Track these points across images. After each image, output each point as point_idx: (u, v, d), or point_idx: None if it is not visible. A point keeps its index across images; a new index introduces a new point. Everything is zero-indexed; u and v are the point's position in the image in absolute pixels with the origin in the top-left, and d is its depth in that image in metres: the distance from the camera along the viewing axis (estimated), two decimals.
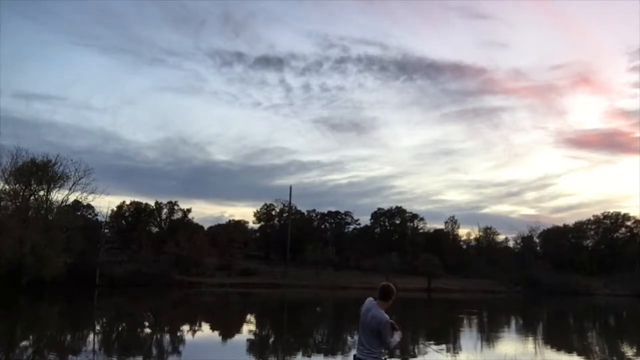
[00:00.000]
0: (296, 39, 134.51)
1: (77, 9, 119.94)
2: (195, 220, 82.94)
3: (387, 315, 6.05)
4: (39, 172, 50.93)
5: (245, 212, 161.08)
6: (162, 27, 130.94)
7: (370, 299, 6.32)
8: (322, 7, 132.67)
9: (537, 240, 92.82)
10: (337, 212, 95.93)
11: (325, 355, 17.87)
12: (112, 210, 68.13)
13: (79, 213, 59.94)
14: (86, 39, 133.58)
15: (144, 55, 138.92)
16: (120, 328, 25.73)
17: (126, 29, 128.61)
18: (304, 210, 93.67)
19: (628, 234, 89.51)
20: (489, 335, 25.94)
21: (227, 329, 25.21)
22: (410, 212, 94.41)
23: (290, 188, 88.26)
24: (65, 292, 43.18)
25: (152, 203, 79.64)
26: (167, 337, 22.34)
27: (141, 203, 78.66)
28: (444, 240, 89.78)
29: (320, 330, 26.74)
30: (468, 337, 24.16)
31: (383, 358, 6.16)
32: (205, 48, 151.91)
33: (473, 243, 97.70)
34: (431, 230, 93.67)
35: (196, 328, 25.68)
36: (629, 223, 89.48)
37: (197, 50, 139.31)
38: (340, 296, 52.08)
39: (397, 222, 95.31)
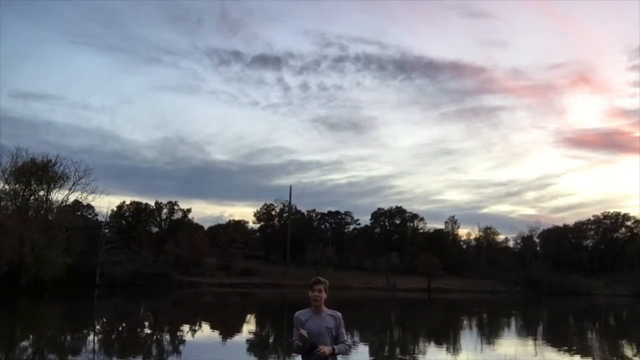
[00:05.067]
0: (294, 37, 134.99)
1: (74, 8, 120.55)
2: (195, 220, 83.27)
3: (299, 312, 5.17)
4: (39, 172, 50.91)
5: (245, 212, 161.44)
6: (159, 25, 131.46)
7: None
8: (320, 6, 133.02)
9: (537, 240, 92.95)
10: (337, 212, 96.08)
11: None
12: (112, 210, 68.32)
13: (79, 213, 59.92)
14: (83, 38, 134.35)
15: (141, 54, 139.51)
16: (120, 328, 25.72)
17: (123, 28, 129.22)
18: (303, 210, 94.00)
19: (628, 234, 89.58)
20: (489, 335, 25.93)
21: (227, 329, 25.20)
22: (410, 212, 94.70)
23: (290, 188, 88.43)
24: (65, 292, 43.17)
25: (152, 203, 79.93)
26: (167, 337, 22.34)
27: (141, 203, 78.84)
28: (444, 240, 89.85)
29: None
30: (468, 337, 24.15)
31: None
32: (203, 47, 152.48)
33: (473, 243, 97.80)
34: (431, 230, 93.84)
35: (196, 328, 25.66)
36: (629, 223, 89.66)
37: (194, 49, 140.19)
38: (340, 296, 52.01)
39: (397, 222, 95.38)
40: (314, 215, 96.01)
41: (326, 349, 4.83)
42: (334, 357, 4.96)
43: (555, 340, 23.43)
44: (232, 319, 31.35)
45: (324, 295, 5.09)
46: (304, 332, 4.82)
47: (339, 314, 5.15)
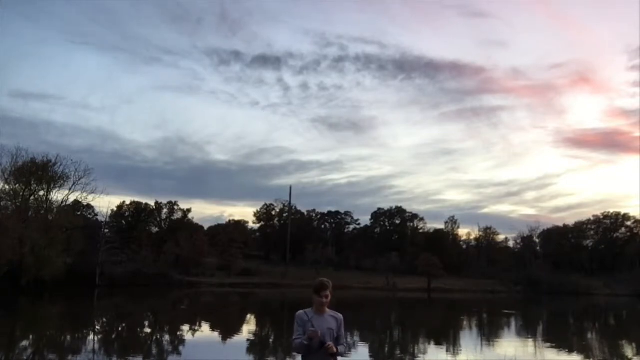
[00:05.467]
0: (293, 37, 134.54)
1: (74, 8, 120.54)
2: (195, 220, 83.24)
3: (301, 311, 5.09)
4: (39, 172, 50.89)
5: (245, 212, 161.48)
6: (159, 25, 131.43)
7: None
8: (320, 6, 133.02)
9: (537, 240, 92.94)
10: (337, 212, 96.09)
11: None
12: (112, 210, 68.32)
13: (79, 213, 59.91)
14: (83, 38, 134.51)
15: (141, 54, 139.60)
16: (120, 328, 25.72)
17: (123, 28, 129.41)
18: (303, 210, 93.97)
19: (628, 234, 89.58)
20: (489, 335, 25.93)
21: (227, 329, 25.20)
22: (410, 212, 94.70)
23: (290, 188, 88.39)
24: (65, 292, 43.17)
25: (151, 203, 79.91)
26: (167, 337, 22.34)
27: (141, 203, 78.84)
28: (444, 240, 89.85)
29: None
30: (468, 337, 24.15)
31: None
32: (202, 47, 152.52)
33: (473, 243, 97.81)
34: (431, 230, 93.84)
35: (196, 328, 25.67)
36: (629, 223, 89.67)
37: (194, 49, 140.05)
38: (340, 296, 52.12)
39: (397, 222, 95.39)
40: (314, 215, 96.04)
41: (334, 346, 4.85)
42: (335, 357, 4.95)
43: (555, 340, 23.43)
44: (232, 319, 31.35)
45: (329, 298, 5.07)
46: (317, 330, 4.79)
47: (341, 316, 5.13)
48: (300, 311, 5.07)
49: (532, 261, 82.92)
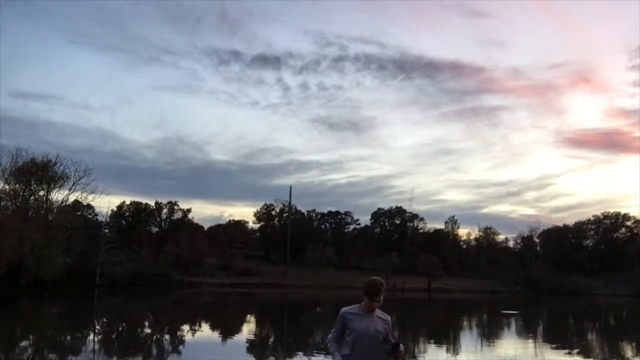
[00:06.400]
0: (293, 37, 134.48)
1: (74, 8, 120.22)
2: (195, 220, 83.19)
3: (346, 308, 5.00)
4: (39, 172, 50.91)
5: (245, 212, 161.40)
6: (158, 25, 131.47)
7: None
8: (320, 6, 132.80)
9: (537, 240, 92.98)
10: (337, 212, 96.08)
11: (326, 355, 17.84)
12: (112, 210, 68.34)
13: (79, 213, 59.91)
14: (83, 38, 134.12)
15: (141, 54, 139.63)
16: (120, 328, 25.72)
17: (123, 28, 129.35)
18: (303, 210, 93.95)
19: (628, 234, 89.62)
20: (489, 335, 25.92)
21: (227, 329, 25.19)
22: (410, 212, 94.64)
23: (290, 188, 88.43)
24: (65, 292, 43.17)
25: (152, 203, 79.91)
26: (167, 337, 22.33)
27: (141, 203, 78.85)
28: (444, 240, 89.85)
29: (320, 330, 26.70)
30: (468, 337, 24.15)
31: None
32: (202, 47, 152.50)
33: (473, 243, 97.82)
34: (431, 230, 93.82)
35: (196, 328, 25.66)
36: (629, 223, 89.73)
37: (193, 49, 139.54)
38: (340, 296, 52.01)
39: (397, 222, 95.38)
40: (314, 215, 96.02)
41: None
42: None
43: (555, 340, 23.43)
44: (232, 319, 31.35)
45: (381, 302, 4.92)
46: None
47: (389, 317, 5.01)
48: (345, 309, 4.93)
49: (532, 261, 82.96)
